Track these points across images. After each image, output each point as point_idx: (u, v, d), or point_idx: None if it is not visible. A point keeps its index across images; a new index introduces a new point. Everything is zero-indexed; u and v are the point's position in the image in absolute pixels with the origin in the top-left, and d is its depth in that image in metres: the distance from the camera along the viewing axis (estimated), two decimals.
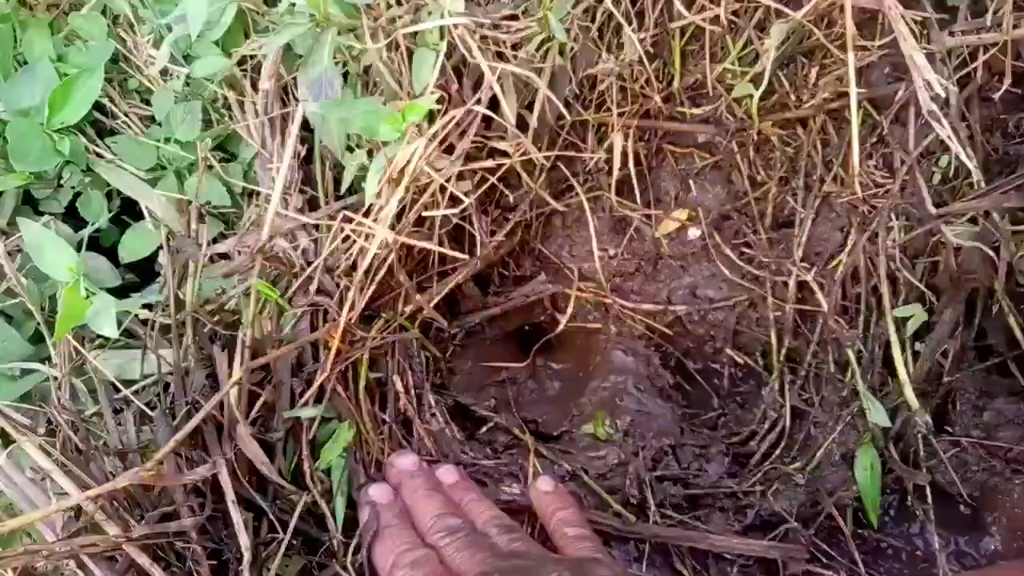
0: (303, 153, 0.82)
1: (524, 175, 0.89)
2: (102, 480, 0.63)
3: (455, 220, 0.83)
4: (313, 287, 0.72)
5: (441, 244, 0.89)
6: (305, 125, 0.79)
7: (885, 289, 0.90)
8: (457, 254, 0.77)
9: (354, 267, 0.75)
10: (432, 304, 0.85)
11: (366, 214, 0.74)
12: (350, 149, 0.77)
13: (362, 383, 0.77)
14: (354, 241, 0.74)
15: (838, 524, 0.89)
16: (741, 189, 1.03)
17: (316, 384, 0.70)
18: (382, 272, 0.76)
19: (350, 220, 0.73)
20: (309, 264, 0.75)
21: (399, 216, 0.74)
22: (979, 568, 0.76)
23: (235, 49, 0.84)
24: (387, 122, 0.64)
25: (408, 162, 0.66)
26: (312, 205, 0.82)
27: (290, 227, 0.76)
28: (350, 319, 0.72)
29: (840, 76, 0.90)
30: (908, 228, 0.90)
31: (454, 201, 0.74)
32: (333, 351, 0.71)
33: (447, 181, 0.70)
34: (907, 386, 0.87)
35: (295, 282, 0.75)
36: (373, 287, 0.76)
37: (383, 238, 0.70)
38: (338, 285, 0.74)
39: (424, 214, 0.76)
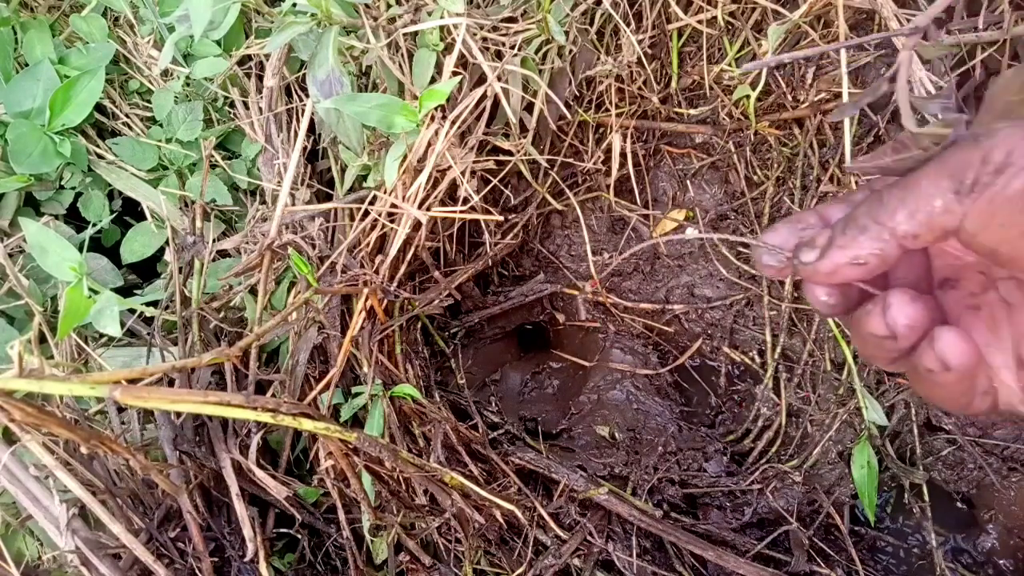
0: (307, 147, 0.82)
1: (528, 176, 0.90)
2: (105, 478, 0.63)
3: (459, 220, 0.84)
4: (339, 269, 0.73)
5: (446, 248, 0.90)
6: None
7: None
8: (488, 217, 0.78)
9: (380, 250, 0.76)
10: (455, 285, 0.87)
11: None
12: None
13: (398, 348, 0.80)
14: (374, 227, 0.75)
15: (835, 521, 0.89)
16: (738, 189, 1.04)
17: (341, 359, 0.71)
18: (409, 253, 0.79)
19: (372, 202, 0.74)
20: (323, 255, 0.75)
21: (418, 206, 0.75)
22: None
23: (236, 49, 0.85)
24: (402, 113, 0.65)
25: (430, 145, 0.67)
26: (318, 200, 0.82)
27: (299, 218, 0.76)
28: (389, 288, 0.74)
29: (836, 76, 0.91)
30: None
31: (464, 201, 0.74)
32: (380, 312, 0.73)
33: (462, 173, 0.71)
34: None
35: (316, 269, 0.75)
36: (404, 266, 0.79)
37: (413, 218, 0.71)
38: (363, 266, 0.75)
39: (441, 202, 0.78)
